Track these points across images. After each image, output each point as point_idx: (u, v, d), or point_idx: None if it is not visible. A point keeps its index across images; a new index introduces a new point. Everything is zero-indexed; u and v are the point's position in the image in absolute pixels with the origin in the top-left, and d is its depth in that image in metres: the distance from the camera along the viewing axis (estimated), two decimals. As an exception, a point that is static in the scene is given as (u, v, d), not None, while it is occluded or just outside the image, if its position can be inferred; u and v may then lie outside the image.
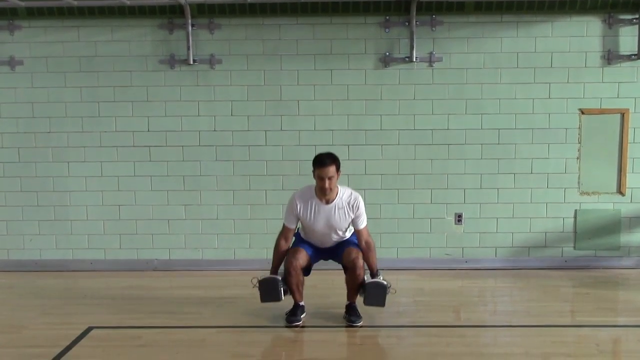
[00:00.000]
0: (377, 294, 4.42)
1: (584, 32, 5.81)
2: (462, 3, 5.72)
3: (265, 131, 5.93)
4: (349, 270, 4.49)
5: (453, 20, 5.82)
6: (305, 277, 4.60)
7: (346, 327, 4.47)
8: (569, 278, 5.72)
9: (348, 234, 4.65)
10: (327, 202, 4.47)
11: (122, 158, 5.98)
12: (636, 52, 5.77)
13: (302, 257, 4.50)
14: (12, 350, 4.12)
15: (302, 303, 4.60)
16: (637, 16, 5.76)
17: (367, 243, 4.53)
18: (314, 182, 4.48)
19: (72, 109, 5.95)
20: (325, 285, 5.21)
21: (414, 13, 5.71)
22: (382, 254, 5.94)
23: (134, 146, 5.97)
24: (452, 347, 4.09)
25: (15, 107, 5.96)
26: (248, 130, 5.94)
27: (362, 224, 4.53)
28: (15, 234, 6.09)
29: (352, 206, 4.49)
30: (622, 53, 5.80)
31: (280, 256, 4.58)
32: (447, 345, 4.12)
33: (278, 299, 4.49)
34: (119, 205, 6.04)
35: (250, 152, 5.94)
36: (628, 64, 5.81)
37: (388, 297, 4.44)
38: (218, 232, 6.05)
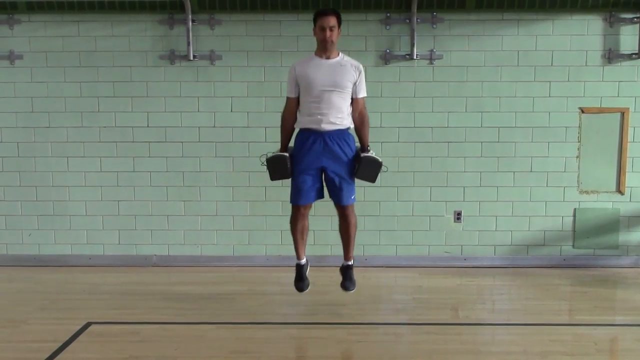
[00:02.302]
0: (370, 169, 4.42)
1: (584, 30, 5.80)
2: (463, 1, 5.71)
3: (265, 128, 5.92)
4: (340, 219, 4.53)
5: (454, 17, 5.81)
6: (309, 231, 4.63)
7: (346, 324, 4.47)
8: (568, 276, 5.72)
9: (348, 115, 4.44)
10: (329, 58, 4.39)
11: (122, 153, 5.98)
12: (637, 51, 5.76)
13: (305, 209, 4.48)
14: (10, 345, 4.12)
15: (304, 261, 4.61)
16: (638, 15, 5.75)
17: (360, 114, 4.49)
18: None
19: (71, 103, 5.94)
20: (324, 282, 5.21)
21: (415, 10, 5.69)
22: (381, 251, 5.98)
23: (133, 142, 5.96)
24: (450, 345, 4.10)
25: (14, 102, 5.95)
26: (248, 127, 5.93)
27: (362, 92, 4.47)
28: (13, 229, 6.08)
29: (356, 67, 4.42)
30: (622, 52, 5.80)
31: (287, 131, 4.52)
32: (445, 343, 4.13)
33: (287, 175, 4.47)
34: (118, 201, 6.03)
35: (250, 148, 5.94)
36: (628, 63, 5.81)
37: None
38: (217, 228, 6.05)
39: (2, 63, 5.90)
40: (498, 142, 5.92)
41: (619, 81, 5.83)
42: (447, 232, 6.04)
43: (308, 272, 4.67)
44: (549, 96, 5.86)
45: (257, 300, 5.02)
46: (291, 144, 4.61)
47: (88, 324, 4.44)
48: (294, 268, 4.67)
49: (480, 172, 5.96)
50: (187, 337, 4.22)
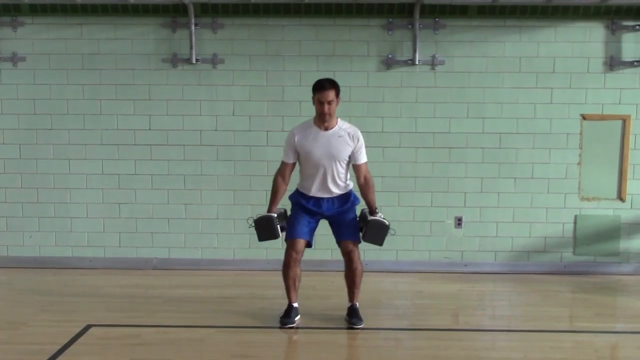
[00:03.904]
0: (378, 233, 4.42)
1: (586, 37, 5.82)
2: (466, 7, 5.72)
3: (267, 131, 5.93)
4: (346, 264, 4.51)
5: (456, 23, 5.82)
6: (301, 276, 4.59)
7: (346, 329, 4.47)
8: (568, 283, 5.72)
9: (347, 182, 4.50)
10: (327, 130, 4.42)
11: (123, 156, 5.98)
12: (639, 59, 5.77)
13: (300, 246, 4.45)
14: (10, 347, 4.11)
15: (295, 304, 4.58)
16: (639, 23, 5.79)
17: (365, 179, 4.50)
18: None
19: (73, 106, 5.95)
20: (325, 287, 5.21)
21: (417, 16, 5.71)
22: (381, 256, 5.98)
23: (135, 144, 5.97)
24: (451, 351, 4.09)
25: (17, 104, 5.96)
26: (250, 131, 5.94)
27: (362, 159, 4.48)
28: (15, 231, 6.09)
29: (352, 136, 4.44)
30: (624, 59, 5.81)
31: (277, 194, 4.53)
32: (445, 349, 4.12)
33: (275, 236, 4.47)
34: (119, 204, 6.04)
35: (251, 152, 5.95)
36: (630, 70, 5.82)
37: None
38: (218, 231, 6.05)
39: (5, 65, 5.92)
40: (499, 148, 5.92)
41: (621, 88, 5.84)
42: (447, 238, 6.04)
43: (298, 318, 4.57)
44: (551, 103, 5.87)
45: (258, 304, 5.02)
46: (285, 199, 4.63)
47: (88, 327, 4.44)
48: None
49: (482, 178, 5.96)
50: (187, 341, 4.22)
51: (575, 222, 5.99)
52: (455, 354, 4.05)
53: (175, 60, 5.89)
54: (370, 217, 4.45)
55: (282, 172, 4.54)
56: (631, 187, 5.93)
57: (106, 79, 5.92)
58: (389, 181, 5.95)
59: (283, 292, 4.60)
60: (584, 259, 6.03)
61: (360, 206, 4.62)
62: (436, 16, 5.80)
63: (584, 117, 5.88)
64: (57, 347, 4.05)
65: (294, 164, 4.54)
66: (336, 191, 4.48)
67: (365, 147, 4.52)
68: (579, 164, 5.93)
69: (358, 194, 4.61)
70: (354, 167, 4.51)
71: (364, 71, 5.88)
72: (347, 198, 4.52)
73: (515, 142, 5.91)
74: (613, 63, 5.81)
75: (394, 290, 5.57)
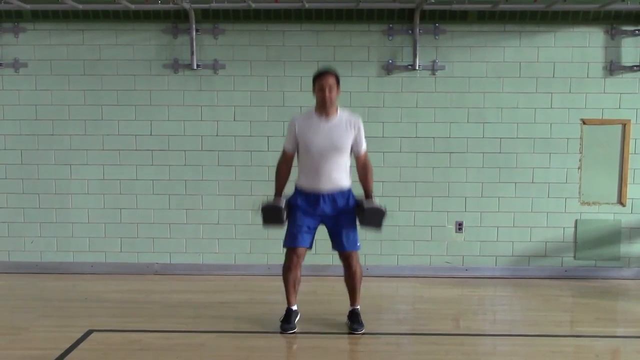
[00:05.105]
0: (374, 218, 4.44)
1: (586, 42, 5.83)
2: (466, 12, 5.74)
3: (268, 137, 5.94)
4: (345, 268, 4.54)
5: (456, 29, 5.84)
6: (302, 281, 4.62)
7: (347, 334, 4.48)
8: (569, 288, 5.72)
9: (347, 176, 4.49)
10: (327, 117, 4.42)
11: (125, 161, 6.00)
12: (638, 64, 5.79)
13: (301, 251, 4.47)
14: (11, 353, 4.12)
15: (295, 307, 4.59)
16: (639, 28, 5.79)
17: (364, 165, 4.52)
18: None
19: (75, 112, 5.97)
20: (325, 292, 5.22)
21: (418, 21, 5.73)
22: (382, 260, 5.99)
23: (136, 150, 5.98)
24: (451, 356, 4.10)
25: (18, 109, 5.98)
26: (250, 136, 5.95)
27: (363, 147, 4.50)
28: (16, 236, 6.09)
29: (353, 124, 4.44)
30: (624, 64, 5.82)
31: (282, 180, 4.57)
32: (446, 354, 4.13)
33: (280, 224, 4.50)
34: (120, 209, 6.05)
35: (252, 157, 5.96)
36: (630, 75, 5.83)
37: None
38: (219, 236, 6.06)
39: (7, 71, 5.94)
40: (500, 153, 5.93)
41: (621, 93, 5.85)
42: (448, 243, 6.05)
43: (297, 320, 4.59)
44: (551, 107, 5.88)
45: (259, 309, 5.02)
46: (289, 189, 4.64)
47: (89, 332, 4.44)
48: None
49: (482, 182, 5.97)
50: (188, 346, 4.23)
51: (575, 227, 6.00)
52: (456, 358, 4.06)
53: (176, 66, 5.91)
54: (367, 204, 4.44)
55: (285, 159, 4.57)
56: (631, 191, 5.94)
57: (107, 84, 5.94)
58: (389, 186, 5.96)
59: (284, 297, 4.61)
60: (585, 263, 6.03)
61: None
62: (436, 22, 5.81)
63: (584, 122, 5.90)
64: (59, 353, 4.06)
65: (295, 152, 4.55)
66: (337, 183, 4.44)
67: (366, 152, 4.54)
68: (579, 168, 5.94)
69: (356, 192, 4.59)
70: (356, 158, 4.51)
71: (364, 76, 5.90)
72: (347, 198, 4.49)
73: (515, 147, 5.92)
74: (613, 68, 5.82)
75: (394, 295, 5.57)
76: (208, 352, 4.13)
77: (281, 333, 4.48)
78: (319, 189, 4.44)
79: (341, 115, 4.46)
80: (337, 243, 4.50)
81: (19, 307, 5.10)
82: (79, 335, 4.37)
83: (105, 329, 4.55)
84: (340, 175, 4.44)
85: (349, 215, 4.49)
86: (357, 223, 4.51)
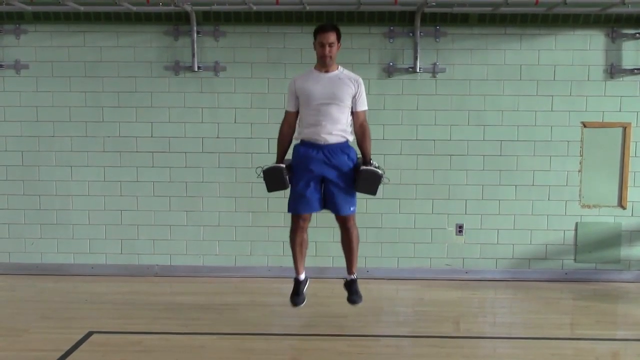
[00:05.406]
0: (370, 183, 4.39)
1: (587, 45, 5.84)
2: (467, 15, 5.75)
3: (269, 139, 5.91)
4: (341, 229, 4.53)
5: (457, 31, 5.85)
6: (308, 245, 4.62)
7: (347, 336, 4.47)
8: (569, 291, 5.72)
9: (348, 128, 4.46)
10: (328, 72, 4.42)
11: (125, 163, 6.00)
12: (639, 67, 5.79)
13: (307, 215, 4.45)
14: (12, 354, 4.13)
15: (302, 277, 4.58)
16: (639, 31, 5.79)
17: (362, 127, 4.49)
18: None
19: (76, 113, 5.97)
20: (326, 294, 5.22)
21: (418, 24, 5.73)
22: (382, 263, 5.99)
23: (137, 151, 5.99)
24: (452, 358, 4.10)
25: (19, 111, 5.98)
26: (251, 138, 5.96)
27: (362, 106, 4.49)
28: (16, 237, 6.10)
29: (354, 80, 4.44)
30: (624, 67, 5.83)
31: (284, 144, 4.57)
32: (446, 356, 4.13)
33: (284, 187, 4.46)
34: (120, 210, 6.05)
35: (253, 159, 5.95)
36: (630, 78, 5.84)
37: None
38: (219, 238, 6.06)
39: (8, 72, 5.95)
40: (500, 155, 5.93)
41: (621, 96, 5.86)
42: (448, 245, 6.04)
43: (307, 288, 4.62)
44: (551, 110, 5.88)
45: (259, 311, 5.02)
46: (289, 156, 4.63)
47: (90, 334, 4.45)
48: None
49: (482, 185, 5.97)
50: (188, 347, 4.23)
51: (576, 230, 6.00)
52: (456, 361, 4.06)
53: (177, 68, 5.92)
54: (363, 167, 4.40)
55: (287, 121, 4.56)
56: (632, 194, 5.94)
57: (108, 86, 5.94)
58: (389, 188, 5.94)
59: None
60: (585, 266, 6.03)
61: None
62: (437, 24, 5.82)
63: (584, 125, 5.90)
64: (59, 354, 4.07)
65: (297, 113, 4.52)
66: (337, 136, 4.41)
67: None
68: (579, 171, 5.94)
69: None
70: (353, 114, 4.48)
71: (365, 79, 5.77)
72: (347, 154, 4.45)
73: (515, 150, 5.92)
74: (613, 71, 5.83)
75: (395, 297, 5.57)
76: (208, 354, 4.13)
77: (293, 306, 4.48)
78: (318, 139, 4.40)
79: (342, 71, 4.48)
80: (333, 206, 4.46)
81: (19, 308, 5.11)
82: (79, 336, 4.38)
83: (106, 330, 4.55)
84: (340, 130, 4.42)
85: (348, 175, 4.44)
86: (355, 205, 4.50)
